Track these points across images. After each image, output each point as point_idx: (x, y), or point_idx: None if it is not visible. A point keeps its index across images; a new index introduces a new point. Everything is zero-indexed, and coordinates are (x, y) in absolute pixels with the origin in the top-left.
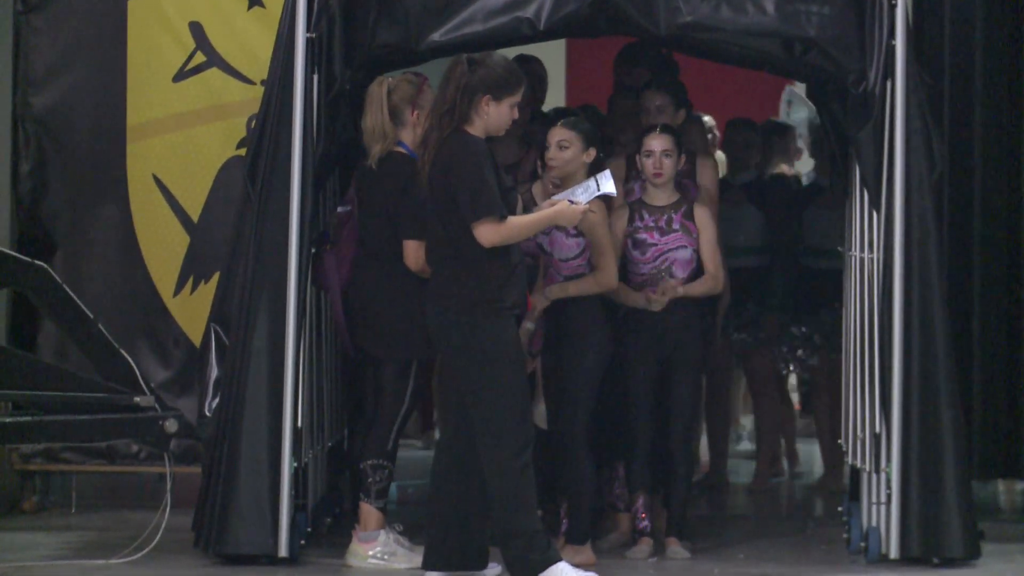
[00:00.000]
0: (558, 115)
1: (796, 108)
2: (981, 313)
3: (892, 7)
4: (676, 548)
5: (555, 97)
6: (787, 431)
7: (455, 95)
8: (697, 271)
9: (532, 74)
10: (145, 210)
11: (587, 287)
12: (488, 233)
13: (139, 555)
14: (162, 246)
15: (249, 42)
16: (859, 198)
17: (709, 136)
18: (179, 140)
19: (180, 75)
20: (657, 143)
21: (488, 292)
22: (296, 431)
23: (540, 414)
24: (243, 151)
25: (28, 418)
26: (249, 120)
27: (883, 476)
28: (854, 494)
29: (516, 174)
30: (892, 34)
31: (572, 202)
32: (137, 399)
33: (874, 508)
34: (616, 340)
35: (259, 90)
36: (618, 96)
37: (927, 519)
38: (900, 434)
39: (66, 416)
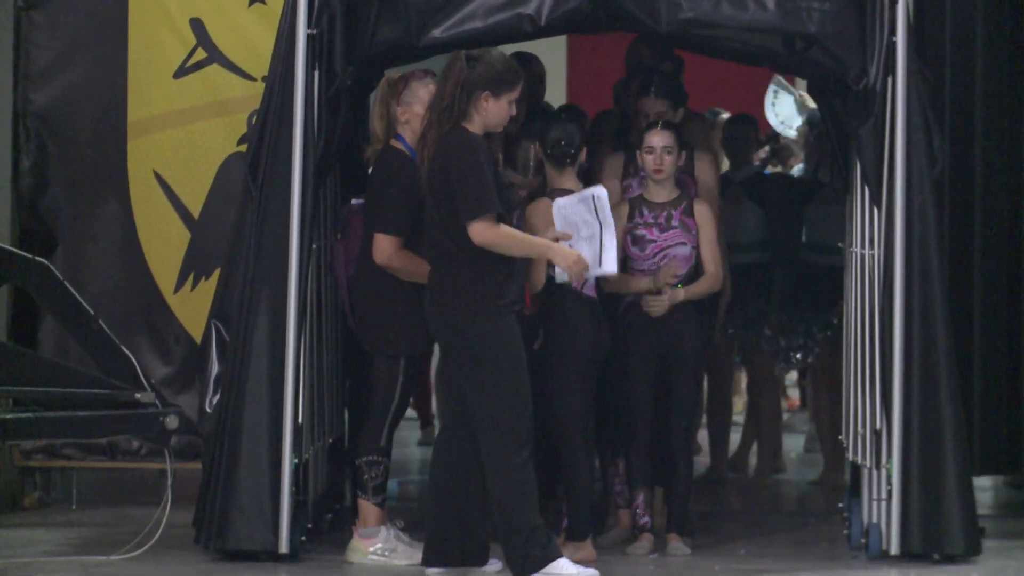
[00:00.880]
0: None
1: (781, 100)
2: (982, 309)
3: (893, 3)
4: (677, 544)
5: (556, 94)
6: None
7: (454, 91)
8: (696, 268)
9: (532, 73)
10: (146, 206)
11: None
12: (481, 231)
13: (140, 551)
14: (163, 242)
15: (250, 38)
16: (860, 194)
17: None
18: (180, 136)
19: (181, 71)
20: (658, 139)
21: (488, 289)
22: (297, 427)
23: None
24: (244, 147)
25: (29, 414)
26: (250, 116)
27: (884, 472)
28: (855, 490)
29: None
30: (893, 30)
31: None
32: (138, 395)
33: (875, 504)
34: (616, 336)
35: (260, 86)
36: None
37: (928, 515)
38: (901, 430)
39: (67, 412)
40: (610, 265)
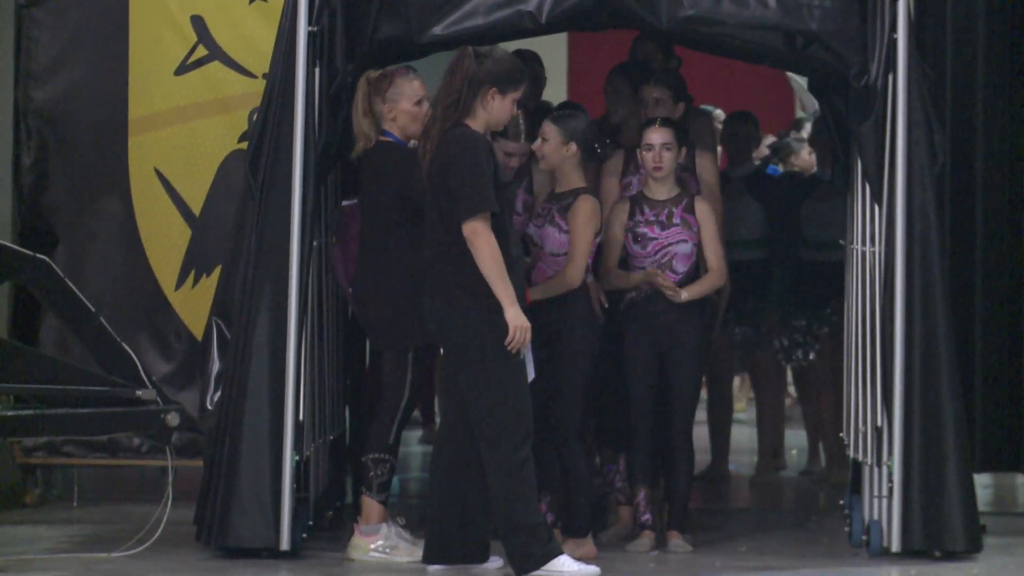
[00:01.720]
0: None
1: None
2: (983, 306)
3: (894, 0)
4: (677, 541)
5: (557, 91)
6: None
7: (461, 87)
8: (698, 265)
9: (530, 73)
10: (147, 203)
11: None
12: (474, 230)
13: (141, 548)
14: (164, 239)
15: (251, 36)
16: (860, 191)
17: (719, 125)
18: (181, 133)
19: (182, 68)
20: (657, 136)
21: (487, 287)
22: (297, 424)
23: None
24: (245, 144)
25: (30, 412)
26: (251, 114)
27: (885, 469)
28: (856, 487)
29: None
30: (894, 27)
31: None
32: (139, 392)
33: (876, 501)
34: (616, 333)
35: (261, 83)
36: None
37: (929, 512)
38: (902, 427)
39: (68, 410)
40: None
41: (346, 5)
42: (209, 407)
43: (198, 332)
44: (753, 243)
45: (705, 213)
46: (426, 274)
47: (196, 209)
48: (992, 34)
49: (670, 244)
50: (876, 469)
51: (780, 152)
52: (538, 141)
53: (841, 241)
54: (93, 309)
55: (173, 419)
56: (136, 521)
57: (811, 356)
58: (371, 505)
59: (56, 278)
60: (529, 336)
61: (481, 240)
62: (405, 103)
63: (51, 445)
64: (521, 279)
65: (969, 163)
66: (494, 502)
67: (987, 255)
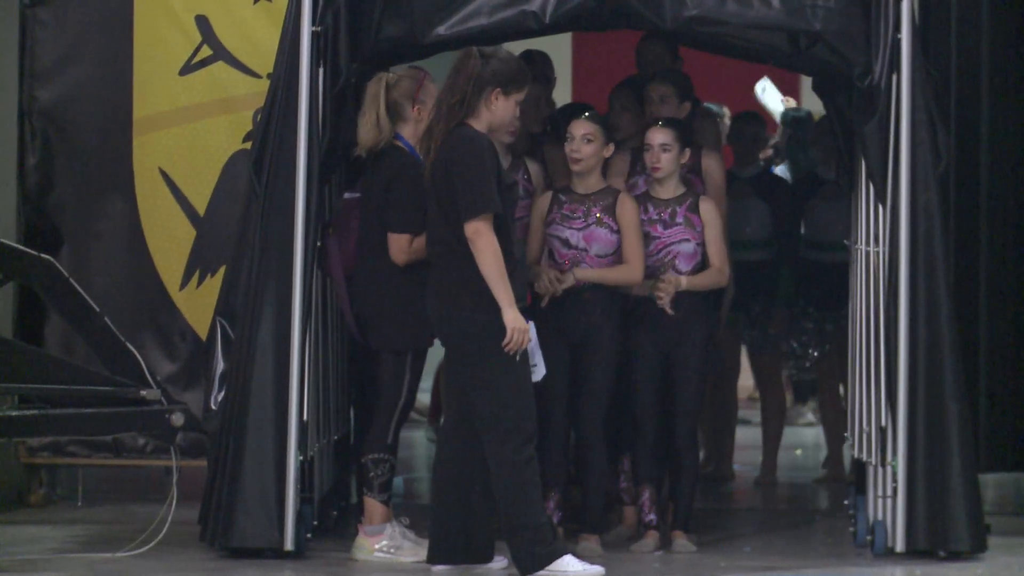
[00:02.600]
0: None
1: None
2: (987, 306)
3: (898, 0)
4: (682, 541)
5: (561, 91)
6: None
7: (466, 86)
8: (702, 265)
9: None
10: (151, 203)
11: (614, 276)
12: (477, 230)
13: (145, 548)
14: (168, 239)
15: (255, 36)
16: (864, 192)
17: (726, 121)
18: (185, 133)
19: (186, 69)
20: (656, 137)
21: (485, 290)
22: (302, 424)
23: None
24: (249, 144)
25: (34, 411)
26: (255, 113)
27: (889, 469)
28: (860, 487)
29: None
30: (898, 27)
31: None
32: (143, 392)
33: (880, 501)
34: (623, 332)
35: (265, 83)
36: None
37: (933, 512)
38: (906, 427)
39: (72, 409)
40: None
41: (350, 5)
42: (213, 407)
43: (202, 332)
44: (760, 243)
45: (709, 213)
46: (428, 274)
47: (200, 209)
48: (997, 34)
49: (672, 243)
50: (880, 469)
51: (782, 152)
52: (577, 142)
53: (845, 241)
54: (97, 309)
55: (177, 419)
56: (140, 521)
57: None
58: (373, 506)
59: (61, 278)
60: (527, 337)
61: (482, 240)
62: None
63: (56, 445)
64: (522, 280)
65: (973, 163)
66: (498, 502)
67: (991, 255)
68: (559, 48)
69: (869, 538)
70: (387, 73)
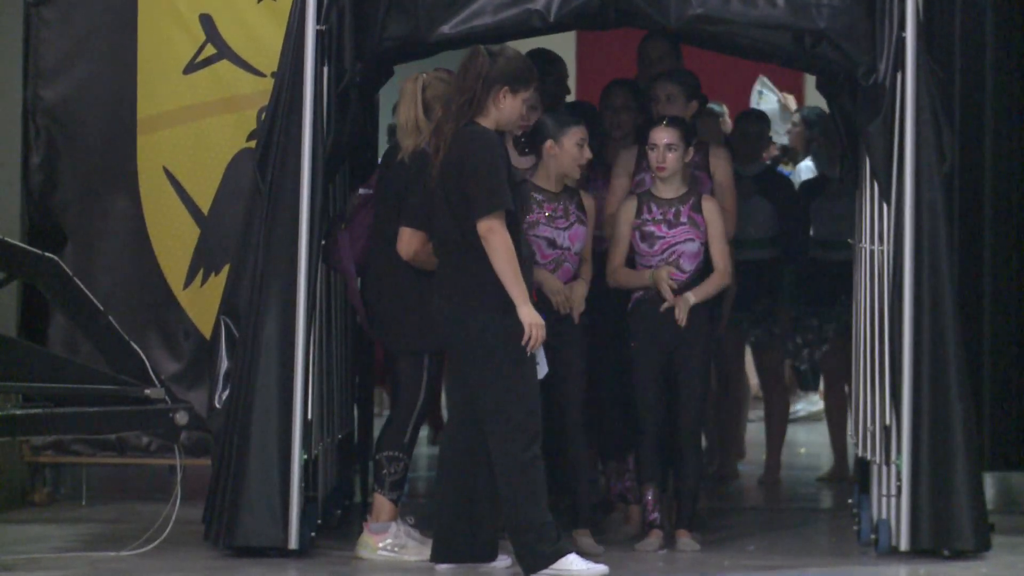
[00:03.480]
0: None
1: (766, 100)
2: (991, 305)
3: None
4: (686, 540)
5: None
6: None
7: (475, 85)
8: (705, 264)
9: (557, 74)
10: (155, 202)
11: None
12: (490, 228)
13: (149, 547)
14: (172, 238)
15: (259, 34)
16: (869, 190)
17: (726, 120)
18: (189, 132)
19: (190, 67)
20: (661, 136)
21: (497, 284)
22: (306, 423)
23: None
24: (253, 143)
25: (39, 410)
26: (259, 112)
27: (893, 468)
28: (864, 486)
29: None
30: (902, 26)
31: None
32: (147, 391)
33: (884, 500)
34: (624, 332)
35: (269, 82)
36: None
37: (937, 511)
38: (910, 426)
39: (76, 408)
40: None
41: (354, 4)
42: (217, 406)
43: (207, 331)
44: (763, 242)
45: (712, 212)
46: (436, 273)
47: (205, 208)
48: (1001, 33)
49: (677, 243)
50: (885, 468)
51: (790, 151)
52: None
53: (850, 240)
54: (102, 308)
55: (181, 418)
56: (144, 520)
57: (817, 356)
58: (382, 503)
59: (65, 277)
60: (544, 333)
61: (496, 238)
62: None
63: (60, 444)
64: (531, 278)
65: (978, 162)
66: (503, 501)
67: (996, 254)
68: (563, 47)
69: (873, 537)
70: (422, 74)
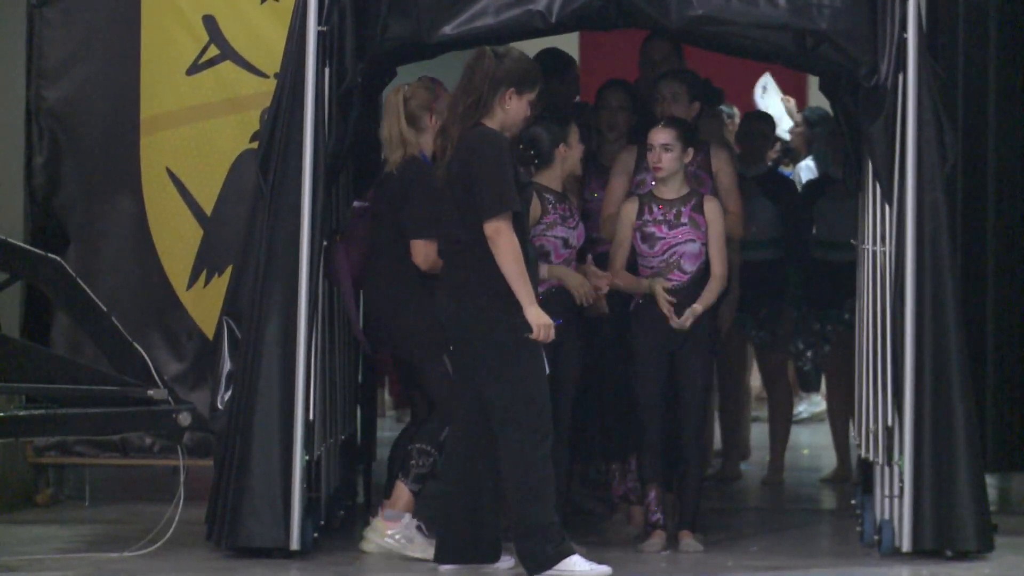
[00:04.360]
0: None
1: (770, 95)
2: (994, 305)
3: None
4: (689, 541)
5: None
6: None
7: (482, 86)
8: (706, 264)
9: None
10: (158, 203)
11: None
12: (497, 229)
13: (153, 548)
14: (175, 239)
15: (262, 35)
16: (872, 191)
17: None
18: (192, 133)
19: (194, 68)
20: (657, 137)
21: (506, 286)
22: (308, 424)
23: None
24: (256, 144)
25: (42, 411)
26: (262, 113)
27: (896, 469)
28: (867, 487)
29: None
30: (904, 27)
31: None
32: (150, 392)
33: (887, 501)
34: (626, 333)
35: (272, 83)
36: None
37: (940, 512)
38: (912, 427)
39: (80, 409)
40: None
41: (356, 5)
42: (220, 407)
43: (209, 332)
44: (767, 243)
45: (714, 212)
46: (441, 274)
47: (208, 209)
48: (1003, 33)
49: (678, 244)
50: (887, 469)
51: (792, 152)
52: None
53: (853, 241)
54: (105, 309)
55: (184, 419)
56: (147, 520)
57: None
58: (402, 491)
59: (68, 278)
60: (553, 332)
61: (503, 238)
62: None
63: (63, 445)
64: (536, 277)
65: (980, 162)
66: (509, 501)
67: (998, 255)
68: (565, 47)
69: (876, 538)
70: (404, 86)
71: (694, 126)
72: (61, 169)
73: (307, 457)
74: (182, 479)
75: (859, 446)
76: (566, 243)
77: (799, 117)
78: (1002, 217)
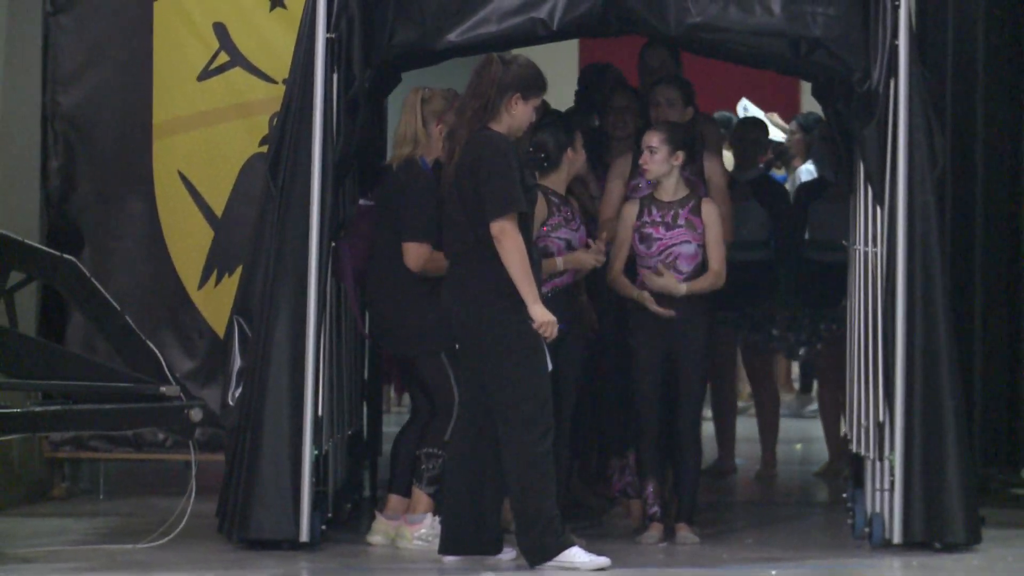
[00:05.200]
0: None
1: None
2: (983, 305)
3: (895, 8)
4: (686, 533)
5: (567, 96)
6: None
7: (489, 91)
8: (702, 265)
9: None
10: (170, 205)
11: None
12: (503, 229)
13: (165, 540)
14: (187, 240)
15: (271, 42)
16: (863, 193)
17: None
18: (203, 137)
19: (204, 74)
20: (645, 139)
21: (510, 285)
22: (316, 419)
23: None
24: (265, 148)
25: (57, 407)
26: (271, 118)
27: (886, 464)
28: (858, 481)
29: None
30: (895, 34)
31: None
32: (163, 389)
33: (878, 495)
34: (625, 333)
35: (281, 89)
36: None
37: (929, 505)
38: (903, 423)
39: (94, 405)
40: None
41: (363, 12)
42: (231, 403)
43: (220, 330)
44: (758, 244)
45: (711, 214)
46: (447, 274)
47: (218, 210)
48: (990, 40)
49: (674, 244)
50: (878, 463)
51: (783, 156)
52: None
53: (844, 242)
54: (118, 308)
55: (196, 414)
56: (160, 513)
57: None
58: (419, 496)
59: (83, 278)
60: (556, 330)
61: (508, 239)
62: None
63: (78, 440)
64: (539, 277)
65: (969, 166)
66: (512, 493)
67: (986, 255)
68: (567, 54)
69: (867, 530)
70: (424, 88)
71: (690, 130)
72: (76, 172)
73: (316, 451)
74: (193, 473)
75: (851, 441)
76: (569, 244)
77: (794, 125)
78: (990, 218)
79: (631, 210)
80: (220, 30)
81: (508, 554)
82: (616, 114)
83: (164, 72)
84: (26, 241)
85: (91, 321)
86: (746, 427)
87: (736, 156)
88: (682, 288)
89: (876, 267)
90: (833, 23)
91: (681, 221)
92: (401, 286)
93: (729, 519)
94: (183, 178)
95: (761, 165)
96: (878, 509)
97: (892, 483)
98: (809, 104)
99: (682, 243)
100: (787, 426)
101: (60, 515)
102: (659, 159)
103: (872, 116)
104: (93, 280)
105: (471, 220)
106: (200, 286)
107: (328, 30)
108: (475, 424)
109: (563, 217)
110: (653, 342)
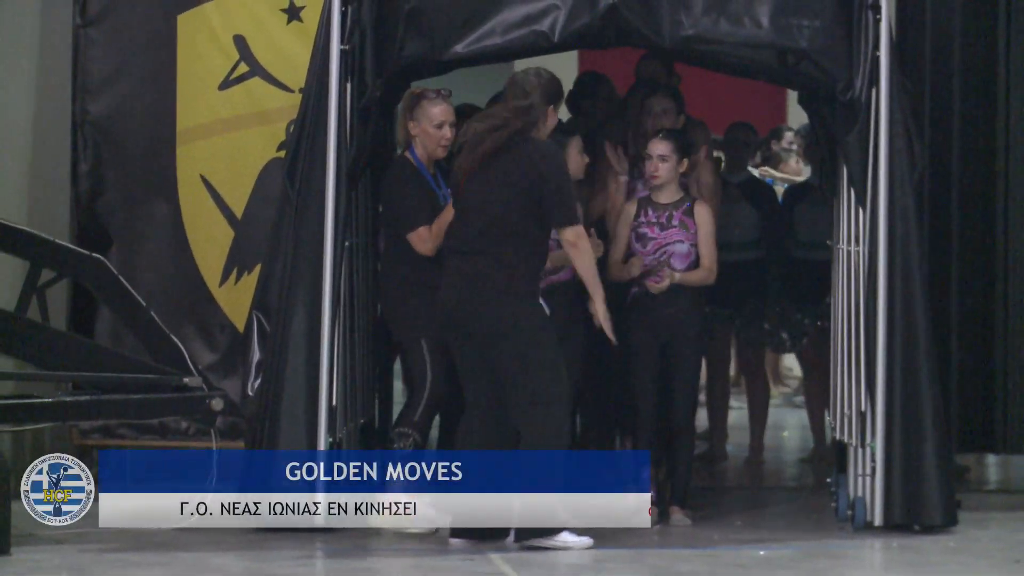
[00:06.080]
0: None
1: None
2: (959, 301)
3: (877, 21)
4: (679, 516)
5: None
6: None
7: (538, 101)
8: (695, 264)
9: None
10: (193, 207)
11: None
12: (578, 235)
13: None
14: (209, 240)
15: (288, 54)
16: (846, 196)
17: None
18: (224, 143)
19: (225, 84)
20: (656, 148)
21: (530, 275)
22: (331, 409)
23: None
24: (283, 153)
25: (87, 397)
26: (288, 125)
27: (868, 450)
28: (841, 467)
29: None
30: (877, 46)
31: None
32: (186, 380)
33: (860, 480)
34: (623, 325)
35: (297, 98)
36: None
37: (909, 490)
38: (884, 412)
39: (121, 395)
40: None
41: (375, 25)
42: (250, 393)
43: (240, 325)
44: (749, 244)
45: (704, 215)
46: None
47: (238, 212)
48: (966, 52)
49: (668, 244)
50: (860, 450)
51: (772, 160)
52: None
53: (829, 242)
54: (144, 304)
55: (217, 404)
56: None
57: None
58: None
59: (111, 276)
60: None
61: (584, 243)
62: (425, 124)
63: (106, 428)
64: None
65: (946, 170)
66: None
67: (962, 254)
68: (567, 64)
69: (850, 513)
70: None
71: (690, 139)
72: (104, 176)
73: (330, 439)
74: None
75: (834, 429)
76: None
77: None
78: (966, 219)
79: (630, 210)
80: (240, 42)
81: (512, 538)
82: (654, 118)
83: (187, 82)
84: (57, 241)
85: (118, 316)
86: (737, 416)
87: (726, 159)
88: (675, 276)
89: (858, 265)
90: (818, 35)
91: (675, 222)
92: (396, 272)
93: (720, 503)
94: (205, 182)
95: (751, 167)
96: (860, 493)
97: (873, 469)
98: (795, 111)
99: (675, 243)
100: (780, 414)
101: None
102: (668, 167)
103: (855, 123)
104: (120, 278)
105: (510, 219)
106: (221, 283)
107: (342, 42)
108: (487, 413)
109: None
110: (649, 335)
